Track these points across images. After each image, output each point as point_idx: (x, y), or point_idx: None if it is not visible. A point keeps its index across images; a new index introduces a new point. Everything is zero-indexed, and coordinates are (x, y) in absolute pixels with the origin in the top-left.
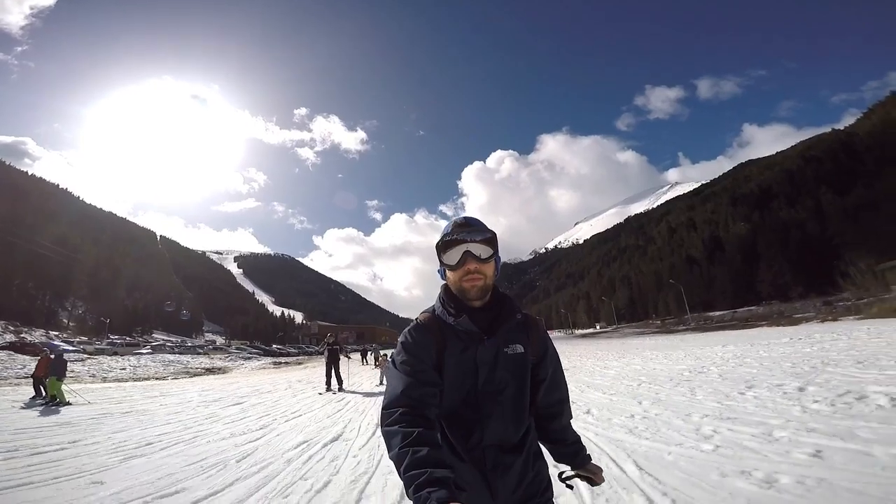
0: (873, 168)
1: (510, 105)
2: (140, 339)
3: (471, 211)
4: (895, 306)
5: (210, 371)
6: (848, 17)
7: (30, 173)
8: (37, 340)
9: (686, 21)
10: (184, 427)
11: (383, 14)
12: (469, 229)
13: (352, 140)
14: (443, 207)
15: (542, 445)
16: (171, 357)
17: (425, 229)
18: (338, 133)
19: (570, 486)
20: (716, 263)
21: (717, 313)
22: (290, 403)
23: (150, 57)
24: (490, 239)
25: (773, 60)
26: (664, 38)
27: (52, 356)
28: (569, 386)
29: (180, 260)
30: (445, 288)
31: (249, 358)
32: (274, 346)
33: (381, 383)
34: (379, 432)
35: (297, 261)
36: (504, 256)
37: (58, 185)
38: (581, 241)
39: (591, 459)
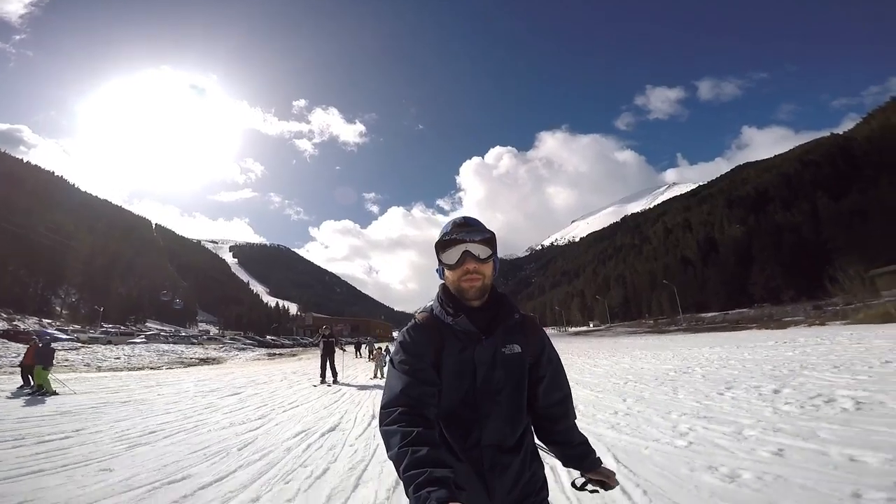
0: (870, 174)
1: (510, 102)
2: (134, 328)
3: (468, 206)
4: (880, 312)
5: (204, 361)
6: (851, 21)
7: (25, 161)
8: (30, 328)
9: (689, 22)
10: (184, 416)
11: (385, 7)
12: (468, 229)
13: (350, 132)
14: (440, 202)
15: (546, 447)
16: (166, 347)
17: (422, 223)
18: (336, 125)
19: (594, 490)
20: (710, 265)
21: (709, 314)
22: (286, 394)
23: (150, 46)
24: (489, 239)
25: (775, 63)
26: (667, 38)
27: (40, 345)
28: None
29: (175, 248)
30: (444, 287)
31: (244, 349)
32: (268, 337)
33: (375, 376)
34: (374, 423)
35: (293, 252)
36: (500, 252)
37: (53, 173)
38: (577, 239)
39: (601, 462)
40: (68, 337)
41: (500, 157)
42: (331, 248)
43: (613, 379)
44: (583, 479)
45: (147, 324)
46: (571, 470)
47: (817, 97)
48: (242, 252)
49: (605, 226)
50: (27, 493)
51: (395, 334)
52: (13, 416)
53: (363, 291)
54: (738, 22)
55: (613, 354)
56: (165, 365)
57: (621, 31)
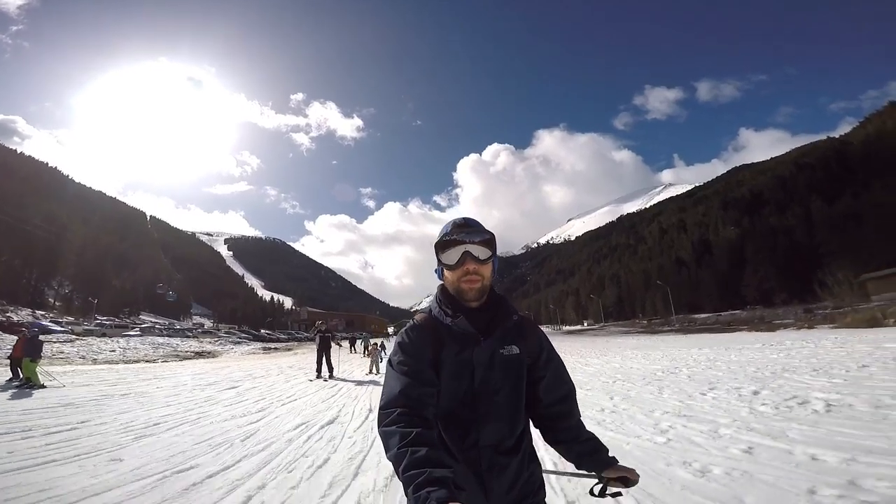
0: (864, 178)
1: (508, 99)
2: (128, 320)
3: (465, 203)
4: (867, 317)
5: (200, 355)
6: (851, 24)
7: (19, 151)
8: (24, 320)
9: (690, 22)
10: (185, 409)
11: (385, 3)
12: (468, 230)
13: (348, 127)
14: (437, 198)
15: (555, 448)
16: (161, 340)
17: (418, 219)
18: (334, 119)
19: (616, 493)
20: (703, 266)
21: (702, 315)
22: (284, 388)
23: (148, 38)
24: (489, 240)
25: (774, 65)
26: (667, 39)
27: (28, 336)
28: None
29: (170, 241)
30: (442, 288)
31: (239, 342)
32: (263, 331)
33: (370, 372)
34: (372, 416)
35: (288, 245)
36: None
37: (46, 164)
38: (573, 238)
39: (616, 460)
40: (63, 329)
41: (497, 154)
42: (326, 242)
43: (603, 378)
44: (601, 484)
45: (141, 316)
46: (585, 481)
47: (815, 100)
48: (237, 245)
49: (601, 225)
50: (43, 483)
51: (389, 330)
52: (17, 409)
53: (358, 286)
54: (739, 23)
55: (605, 353)
56: (161, 358)
57: (622, 32)
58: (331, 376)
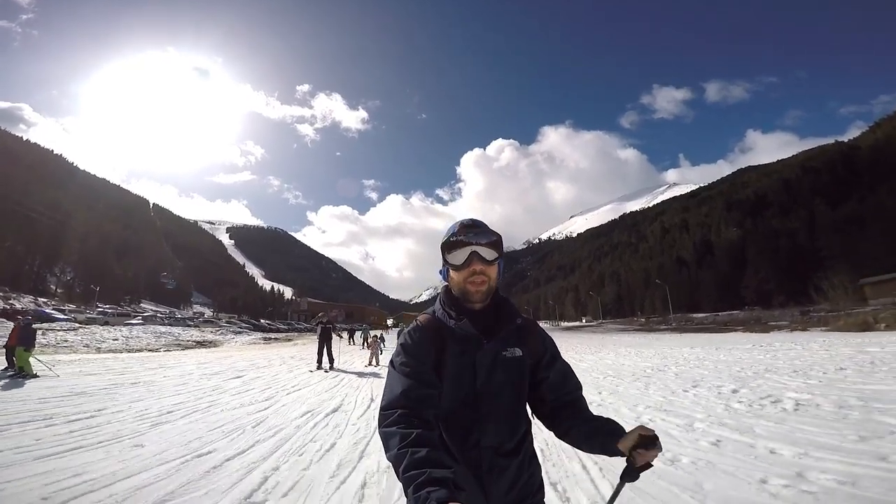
0: (870, 182)
1: (514, 95)
2: (128, 308)
3: (467, 197)
4: (859, 321)
5: (201, 344)
6: (865, 28)
7: (25, 139)
8: (27, 307)
9: (701, 23)
10: (195, 398)
11: None
12: (476, 231)
13: (353, 119)
14: (440, 192)
15: (573, 441)
16: (163, 329)
17: (421, 212)
18: (339, 111)
19: (646, 467)
20: (704, 266)
21: (700, 315)
22: (287, 378)
23: (157, 29)
24: (496, 242)
25: (785, 68)
26: (677, 39)
27: (22, 325)
28: None
29: (172, 228)
30: (446, 290)
31: (240, 332)
32: (263, 321)
33: (370, 363)
34: (374, 405)
35: (290, 235)
36: None
37: (52, 151)
38: (574, 235)
39: (624, 431)
40: (66, 317)
41: (501, 149)
42: (328, 233)
43: (594, 374)
44: (628, 465)
45: (142, 305)
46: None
47: (826, 104)
48: (239, 234)
49: (603, 223)
50: (76, 468)
51: (389, 322)
52: (34, 398)
53: (359, 278)
54: (751, 25)
55: (600, 350)
56: (163, 347)
57: (632, 31)
58: (332, 367)
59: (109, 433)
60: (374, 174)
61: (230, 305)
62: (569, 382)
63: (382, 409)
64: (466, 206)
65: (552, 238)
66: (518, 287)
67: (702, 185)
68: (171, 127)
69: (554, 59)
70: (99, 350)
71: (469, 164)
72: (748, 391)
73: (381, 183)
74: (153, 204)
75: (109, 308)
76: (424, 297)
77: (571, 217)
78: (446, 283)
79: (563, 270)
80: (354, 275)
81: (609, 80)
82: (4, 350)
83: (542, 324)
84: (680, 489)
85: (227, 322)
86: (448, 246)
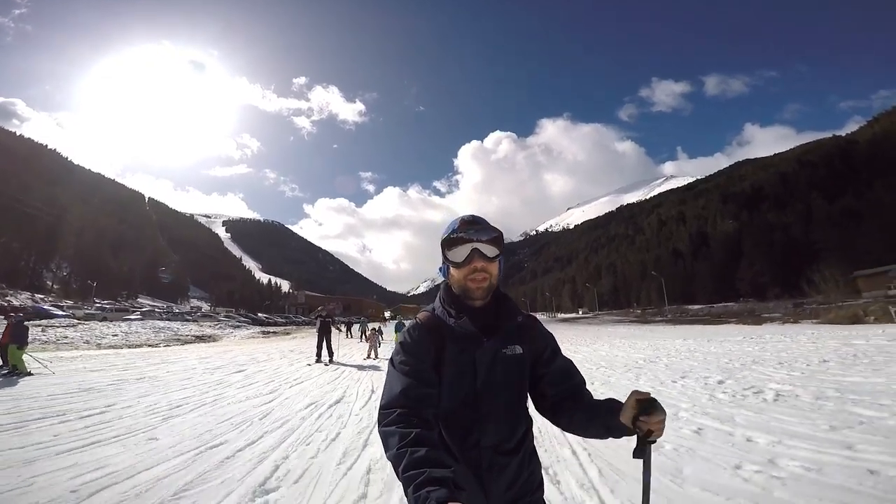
0: (867, 177)
1: (513, 87)
2: (126, 303)
3: (465, 189)
4: (850, 314)
5: (200, 339)
6: (865, 23)
7: (18, 133)
8: (25, 304)
9: (701, 17)
10: (201, 392)
11: None
12: (477, 227)
13: (350, 111)
14: (437, 184)
15: (577, 428)
16: (161, 324)
17: (418, 204)
18: (336, 104)
19: (652, 440)
20: (700, 258)
21: (695, 307)
22: (289, 371)
23: (152, 22)
24: (497, 238)
25: (785, 62)
26: (677, 32)
27: (14, 322)
28: None
29: (168, 222)
30: (446, 287)
31: (238, 326)
32: (260, 314)
33: (369, 356)
34: (375, 397)
35: (287, 228)
36: None
37: (46, 146)
38: (572, 227)
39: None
40: (64, 314)
41: (499, 141)
42: (325, 225)
43: (588, 365)
44: (637, 439)
45: (139, 299)
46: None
47: (825, 98)
48: (235, 227)
49: (601, 214)
50: (97, 461)
51: (386, 314)
52: (43, 395)
53: (356, 270)
54: (751, 19)
55: (594, 342)
56: (163, 342)
57: (632, 24)
58: (331, 360)
59: (123, 428)
60: (371, 166)
61: (227, 299)
62: (570, 377)
63: (382, 408)
64: (464, 199)
65: (549, 230)
66: (515, 279)
67: (699, 177)
68: (167, 121)
69: (552, 51)
70: (99, 346)
71: (466, 157)
72: (733, 382)
73: (378, 175)
74: (149, 198)
75: (107, 303)
76: (422, 290)
77: (569, 209)
78: (446, 281)
79: (560, 262)
80: (351, 267)
81: (607, 73)
82: None
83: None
84: (661, 473)
85: (225, 316)
86: (448, 243)
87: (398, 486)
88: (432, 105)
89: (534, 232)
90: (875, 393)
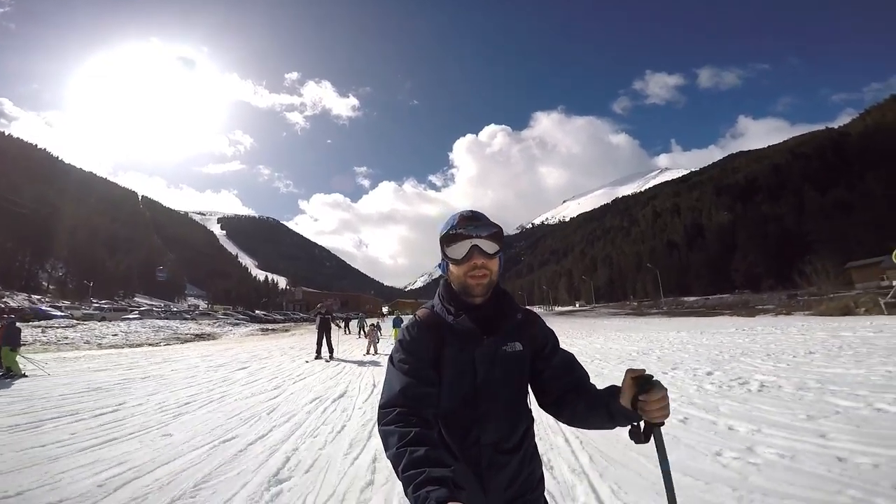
0: (860, 169)
1: (507, 81)
2: (123, 303)
3: (460, 182)
4: (841, 305)
5: (200, 337)
6: (857, 16)
7: (6, 133)
8: (22, 305)
9: (694, 9)
10: (207, 389)
11: None
12: (476, 223)
13: (343, 106)
14: (432, 178)
15: (583, 420)
16: (161, 322)
17: (413, 198)
18: (329, 99)
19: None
20: (695, 250)
21: (691, 299)
22: (291, 368)
23: (138, 19)
24: (497, 234)
25: (778, 55)
26: (671, 25)
27: (6, 324)
28: None
29: (162, 220)
30: (445, 284)
31: (237, 324)
32: (258, 311)
33: (368, 352)
34: (377, 391)
35: (282, 224)
36: None
37: (35, 146)
38: (567, 219)
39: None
40: (63, 314)
41: (494, 135)
42: (320, 221)
43: (583, 357)
44: (637, 423)
45: (136, 299)
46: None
47: (817, 91)
48: (230, 224)
49: (596, 207)
50: (117, 458)
51: (384, 310)
52: (54, 395)
53: (352, 265)
54: (745, 11)
55: (590, 335)
56: (163, 341)
57: (625, 17)
58: (331, 357)
59: (137, 425)
60: (365, 161)
61: (224, 297)
62: (572, 371)
63: (381, 407)
64: (459, 192)
65: (545, 223)
66: (512, 272)
67: (693, 169)
68: (158, 118)
69: (546, 44)
70: (100, 346)
71: (461, 150)
72: (721, 373)
73: (373, 170)
74: (142, 196)
75: (105, 303)
76: (419, 284)
77: (564, 202)
78: (446, 277)
79: (556, 255)
80: (348, 262)
81: (601, 66)
82: None
83: (536, 308)
84: (646, 459)
85: (223, 314)
86: (447, 239)
87: None
88: (426, 99)
89: (530, 225)
90: (854, 384)
